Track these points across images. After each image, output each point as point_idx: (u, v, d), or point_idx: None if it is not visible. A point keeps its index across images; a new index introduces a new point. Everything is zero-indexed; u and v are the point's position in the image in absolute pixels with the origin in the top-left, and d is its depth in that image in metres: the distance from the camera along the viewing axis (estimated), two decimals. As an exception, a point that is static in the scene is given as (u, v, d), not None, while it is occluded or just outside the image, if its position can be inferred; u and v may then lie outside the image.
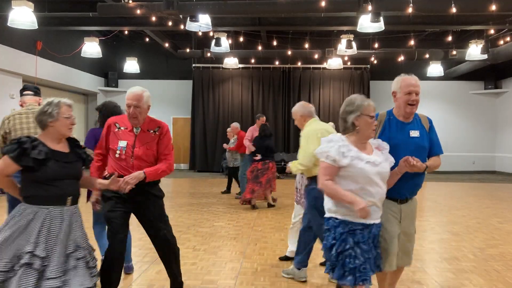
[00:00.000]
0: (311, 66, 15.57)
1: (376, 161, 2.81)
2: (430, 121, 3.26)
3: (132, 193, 3.26)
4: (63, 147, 2.91)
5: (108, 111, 4.10)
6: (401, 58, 13.40)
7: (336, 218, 2.83)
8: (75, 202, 2.90)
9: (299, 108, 4.43)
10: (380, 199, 2.83)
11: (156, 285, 4.05)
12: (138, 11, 9.07)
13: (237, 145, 9.45)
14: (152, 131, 3.46)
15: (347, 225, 2.79)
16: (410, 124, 3.13)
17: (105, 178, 3.35)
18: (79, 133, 15.64)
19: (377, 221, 2.87)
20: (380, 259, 2.95)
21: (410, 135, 3.09)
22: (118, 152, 3.36)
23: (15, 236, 2.69)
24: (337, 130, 3.13)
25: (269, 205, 8.34)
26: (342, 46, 10.83)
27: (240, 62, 14.48)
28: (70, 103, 2.93)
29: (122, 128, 3.44)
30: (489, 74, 15.75)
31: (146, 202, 3.44)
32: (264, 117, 9.18)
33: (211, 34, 11.50)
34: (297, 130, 15.93)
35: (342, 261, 2.76)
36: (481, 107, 16.29)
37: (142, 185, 3.30)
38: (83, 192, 3.24)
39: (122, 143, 3.37)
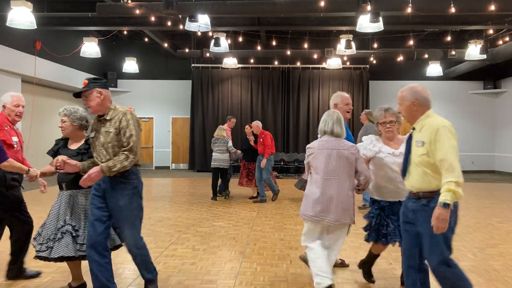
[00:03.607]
0: (310, 66, 15.57)
1: (395, 153, 3.77)
2: None
3: None
4: (75, 146, 3.77)
5: None
6: (400, 58, 13.41)
7: (372, 198, 3.94)
8: (73, 187, 3.65)
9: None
10: (400, 182, 3.57)
11: (155, 285, 4.04)
12: (137, 11, 9.07)
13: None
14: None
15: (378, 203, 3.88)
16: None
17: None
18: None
19: (399, 199, 3.71)
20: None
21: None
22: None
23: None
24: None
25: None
26: (341, 46, 10.82)
27: (239, 62, 14.49)
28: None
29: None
30: (488, 74, 15.77)
31: None
32: (235, 119, 10.51)
33: (210, 34, 11.50)
34: (296, 130, 15.92)
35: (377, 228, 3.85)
36: (480, 107, 16.31)
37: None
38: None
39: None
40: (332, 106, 4.43)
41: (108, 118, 3.43)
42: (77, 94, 3.50)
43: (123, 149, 3.34)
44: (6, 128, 4.14)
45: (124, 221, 3.45)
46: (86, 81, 3.49)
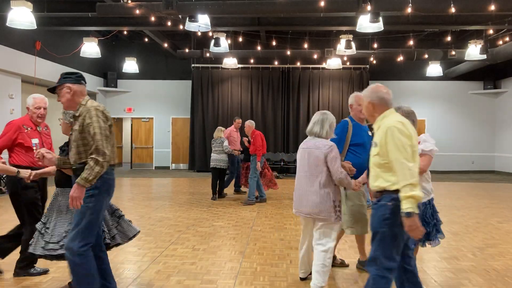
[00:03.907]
0: (310, 66, 15.57)
1: None
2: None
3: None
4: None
5: None
6: (400, 58, 13.40)
7: None
8: (57, 185, 3.76)
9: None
10: None
11: (155, 285, 4.05)
12: (137, 11, 9.07)
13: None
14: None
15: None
16: (364, 126, 4.43)
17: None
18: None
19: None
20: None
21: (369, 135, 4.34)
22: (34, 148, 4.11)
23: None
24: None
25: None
26: (341, 46, 10.82)
27: (239, 62, 14.48)
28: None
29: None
30: (488, 74, 15.77)
31: None
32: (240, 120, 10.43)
33: (210, 34, 11.50)
34: (296, 130, 15.90)
35: None
36: (480, 107, 16.31)
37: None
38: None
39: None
40: (349, 107, 4.51)
41: (77, 114, 3.26)
42: (52, 91, 3.40)
43: (90, 151, 3.12)
44: (25, 131, 4.16)
45: (74, 218, 3.22)
46: (60, 77, 3.36)
